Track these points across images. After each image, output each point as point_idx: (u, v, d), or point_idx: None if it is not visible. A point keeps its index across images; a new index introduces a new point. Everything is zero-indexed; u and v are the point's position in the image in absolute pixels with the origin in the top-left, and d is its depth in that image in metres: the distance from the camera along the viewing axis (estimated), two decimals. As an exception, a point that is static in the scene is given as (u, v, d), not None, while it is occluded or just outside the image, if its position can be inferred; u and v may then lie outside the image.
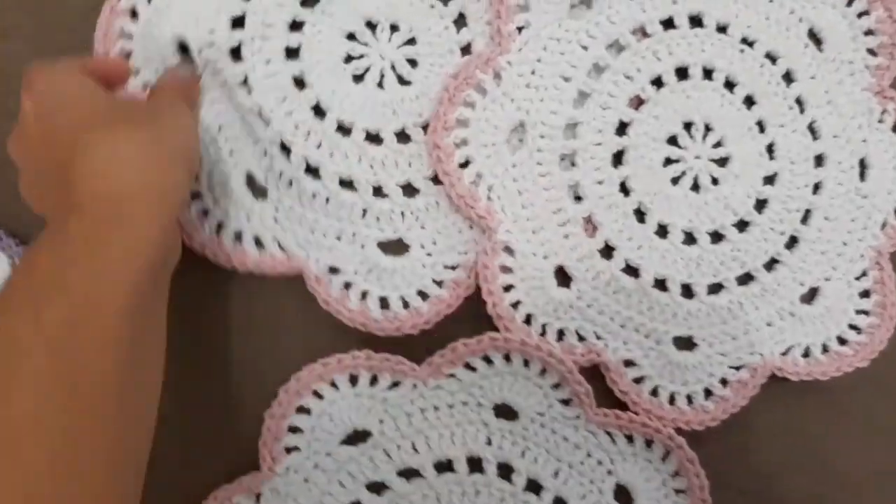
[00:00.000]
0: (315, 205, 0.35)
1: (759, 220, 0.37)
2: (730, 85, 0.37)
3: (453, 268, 0.36)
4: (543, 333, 0.36)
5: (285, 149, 0.35)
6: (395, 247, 0.36)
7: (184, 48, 0.35)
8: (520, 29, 0.36)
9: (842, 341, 0.38)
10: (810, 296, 0.38)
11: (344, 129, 0.36)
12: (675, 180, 0.37)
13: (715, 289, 0.37)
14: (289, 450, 0.35)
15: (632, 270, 0.36)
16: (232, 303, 0.37)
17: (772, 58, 0.37)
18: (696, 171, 0.37)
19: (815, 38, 0.38)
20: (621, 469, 0.36)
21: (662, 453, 0.36)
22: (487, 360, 0.36)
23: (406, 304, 0.36)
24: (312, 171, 0.36)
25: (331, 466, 0.35)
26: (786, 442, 0.38)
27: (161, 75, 0.35)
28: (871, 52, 0.38)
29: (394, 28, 0.36)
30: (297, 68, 0.35)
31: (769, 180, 0.37)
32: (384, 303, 0.36)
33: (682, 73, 0.37)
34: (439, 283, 0.36)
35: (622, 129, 0.36)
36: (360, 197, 0.36)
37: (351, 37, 0.36)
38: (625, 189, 0.36)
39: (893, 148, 0.39)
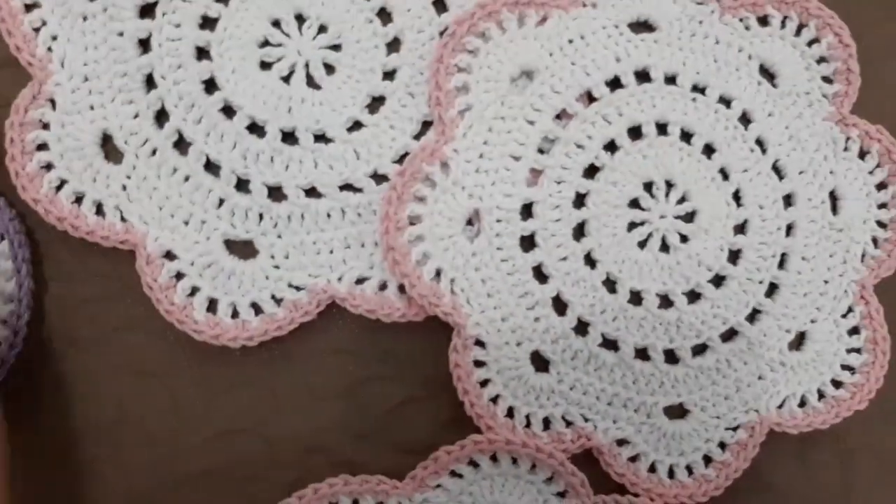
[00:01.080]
0: (171, 181, 0.33)
1: (735, 272, 0.35)
2: (686, 136, 0.35)
3: (298, 288, 0.34)
4: (528, 424, 0.34)
5: (160, 116, 0.33)
6: (243, 248, 0.34)
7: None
8: (462, 112, 0.34)
9: (837, 384, 0.37)
10: (798, 342, 0.37)
11: (230, 111, 0.33)
12: (641, 244, 0.35)
13: (699, 350, 0.35)
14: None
15: (610, 344, 0.34)
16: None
17: (726, 101, 0.36)
18: (663, 232, 0.35)
19: (767, 73, 0.37)
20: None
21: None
22: (474, 464, 0.33)
23: (235, 314, 0.33)
24: (182, 145, 0.33)
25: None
26: (803, 495, 0.37)
27: None
28: (827, 79, 0.37)
29: (322, 28, 0.34)
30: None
31: (740, 229, 0.36)
32: (211, 303, 0.33)
33: (635, 132, 0.35)
34: (278, 301, 0.33)
35: (580, 200, 0.34)
36: (222, 185, 0.33)
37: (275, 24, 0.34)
38: (591, 261, 0.34)
39: (863, 175, 0.37)
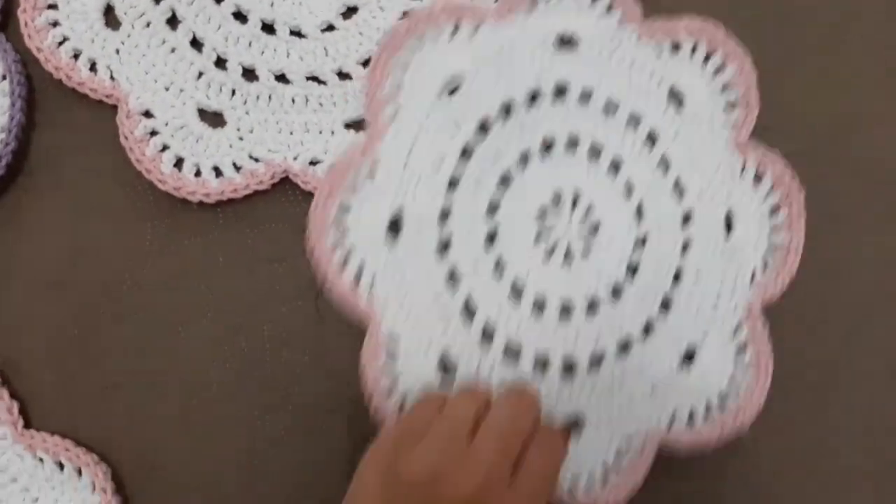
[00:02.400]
0: (159, 51, 0.37)
1: (632, 285, 0.37)
2: (595, 152, 0.37)
3: (257, 160, 0.37)
4: None
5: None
6: (213, 118, 0.38)
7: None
8: (392, 117, 0.35)
9: (723, 403, 0.37)
10: (688, 358, 0.37)
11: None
12: (548, 253, 0.36)
13: (595, 361, 0.36)
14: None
15: (513, 353, 0.36)
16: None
17: (635, 120, 0.38)
18: (568, 242, 0.36)
19: (676, 97, 0.38)
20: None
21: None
22: None
23: (198, 173, 0.37)
24: (173, 22, 0.38)
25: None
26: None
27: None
28: (730, 105, 0.39)
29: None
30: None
31: (640, 244, 0.37)
32: (178, 161, 0.37)
33: (548, 145, 0.37)
34: (237, 168, 0.37)
35: (493, 209, 0.36)
36: (203, 60, 0.37)
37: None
38: (500, 268, 0.36)
39: (756, 200, 0.38)
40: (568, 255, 0.36)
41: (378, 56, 0.35)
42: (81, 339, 0.36)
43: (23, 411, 0.35)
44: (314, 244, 0.34)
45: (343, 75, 0.38)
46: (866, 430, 0.40)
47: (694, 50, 0.38)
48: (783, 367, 0.37)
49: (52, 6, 0.37)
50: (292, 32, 0.38)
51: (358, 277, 0.34)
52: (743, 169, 0.38)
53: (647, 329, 0.36)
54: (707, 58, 0.38)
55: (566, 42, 0.37)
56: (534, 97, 0.36)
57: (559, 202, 0.36)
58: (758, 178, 0.38)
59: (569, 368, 0.36)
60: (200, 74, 0.38)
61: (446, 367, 0.35)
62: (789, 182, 0.38)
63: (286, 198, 0.38)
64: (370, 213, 0.35)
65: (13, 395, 0.35)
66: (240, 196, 0.37)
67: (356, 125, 0.38)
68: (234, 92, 0.38)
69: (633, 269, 0.37)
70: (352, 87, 0.38)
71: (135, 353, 0.36)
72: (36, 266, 0.37)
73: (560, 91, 0.36)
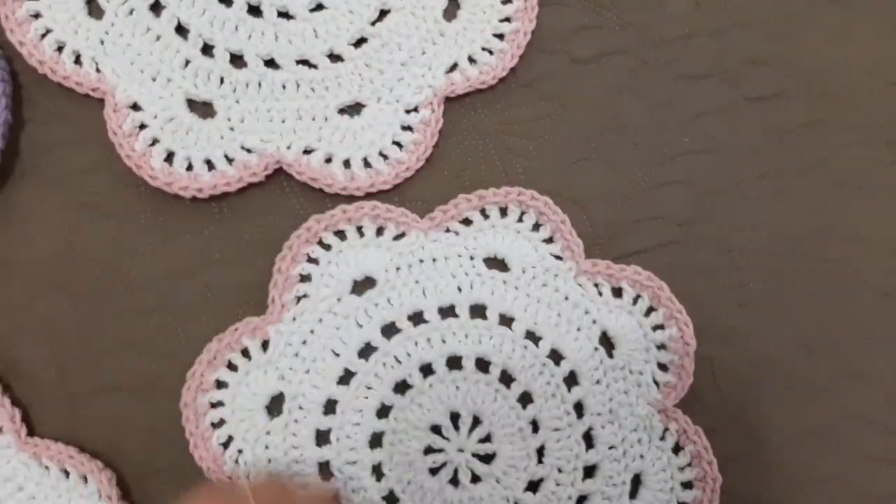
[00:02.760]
0: (144, 39, 0.36)
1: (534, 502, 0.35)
2: (507, 380, 0.36)
3: (249, 151, 0.36)
4: None
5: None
6: (202, 108, 0.36)
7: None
8: (299, 299, 0.35)
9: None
10: None
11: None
12: (433, 471, 0.35)
13: None
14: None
15: None
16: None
17: (557, 357, 0.36)
18: (457, 465, 0.35)
19: (607, 342, 0.37)
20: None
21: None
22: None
23: (190, 167, 0.36)
24: (157, 8, 0.36)
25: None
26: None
27: None
28: (662, 367, 0.37)
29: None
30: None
31: (532, 486, 0.35)
32: (169, 155, 0.36)
33: (455, 361, 0.36)
34: (230, 160, 0.36)
35: (384, 412, 0.35)
36: (189, 47, 0.36)
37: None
38: (378, 472, 0.35)
39: (671, 469, 0.36)
40: (455, 478, 0.35)
41: (291, 242, 0.35)
42: (80, 340, 0.35)
43: (25, 418, 0.34)
44: (189, 402, 0.34)
45: (334, 57, 0.37)
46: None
47: (635, 301, 0.37)
48: None
49: (33, -2, 0.36)
50: (280, 14, 0.37)
51: (228, 442, 0.35)
52: (663, 436, 0.37)
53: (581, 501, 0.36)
54: (648, 312, 0.37)
55: (497, 263, 0.37)
56: (448, 312, 0.36)
57: (457, 422, 0.36)
58: (677, 449, 0.37)
59: None
60: (187, 63, 0.36)
61: None
62: (706, 464, 0.36)
63: (280, 190, 0.37)
64: (253, 385, 0.35)
65: (14, 402, 0.34)
66: (233, 189, 0.36)
67: (350, 110, 0.37)
68: (222, 80, 0.36)
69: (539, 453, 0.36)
70: (344, 69, 0.37)
71: (135, 353, 0.36)
72: (30, 267, 0.36)
73: (478, 311, 0.36)
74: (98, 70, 0.36)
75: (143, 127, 0.36)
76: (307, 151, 0.37)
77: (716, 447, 0.36)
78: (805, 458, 0.38)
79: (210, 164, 0.36)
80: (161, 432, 0.35)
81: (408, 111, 0.38)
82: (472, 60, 0.38)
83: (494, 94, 0.39)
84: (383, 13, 0.38)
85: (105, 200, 0.36)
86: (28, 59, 0.35)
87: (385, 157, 0.37)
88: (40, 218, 0.36)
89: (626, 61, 0.41)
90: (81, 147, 0.36)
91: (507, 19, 0.39)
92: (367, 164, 0.37)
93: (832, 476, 0.38)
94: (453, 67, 0.38)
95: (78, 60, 0.36)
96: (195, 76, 0.36)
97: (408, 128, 0.38)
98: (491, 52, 0.39)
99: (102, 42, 0.36)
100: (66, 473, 0.34)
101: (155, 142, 0.36)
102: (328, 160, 0.37)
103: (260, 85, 0.37)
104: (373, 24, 0.38)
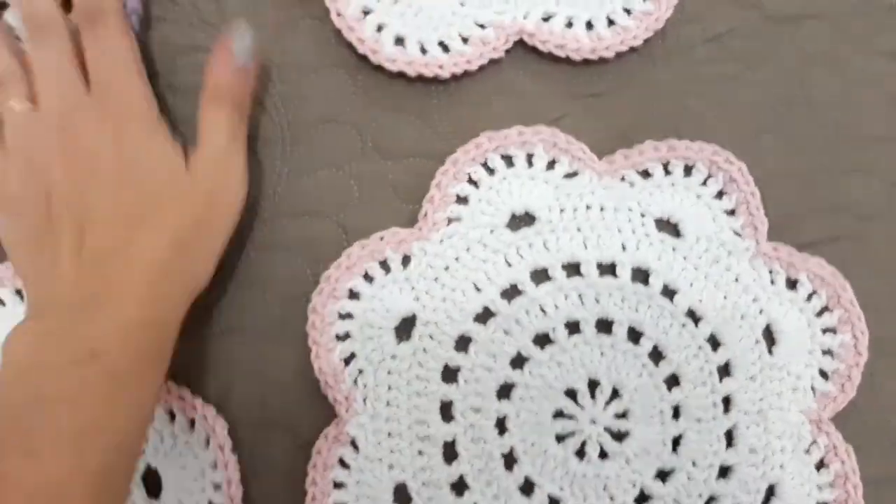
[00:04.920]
0: None
1: (661, 491, 0.32)
2: (657, 356, 0.33)
3: (483, 27, 0.34)
4: None
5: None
6: None
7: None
8: (450, 220, 0.33)
9: None
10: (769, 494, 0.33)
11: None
12: (559, 438, 0.32)
13: None
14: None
15: None
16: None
17: (714, 343, 0.33)
18: (587, 436, 0.32)
19: (770, 337, 0.34)
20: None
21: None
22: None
23: (424, 50, 0.34)
24: None
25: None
26: None
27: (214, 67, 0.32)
28: (824, 374, 0.34)
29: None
30: None
31: (661, 475, 0.33)
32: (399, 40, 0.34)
33: (605, 325, 0.33)
34: (464, 40, 0.34)
35: (519, 362, 0.32)
36: None
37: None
38: (502, 427, 0.32)
39: (810, 485, 0.33)
40: (581, 451, 0.33)
41: (456, 157, 0.33)
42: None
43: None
44: (316, 306, 0.32)
45: None
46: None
47: (809, 298, 0.34)
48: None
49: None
50: None
51: (350, 359, 0.33)
52: (809, 449, 0.33)
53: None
54: (820, 313, 0.34)
55: (669, 226, 0.34)
56: (607, 269, 0.34)
57: (595, 390, 0.33)
58: (821, 465, 0.33)
59: None
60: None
61: (403, 498, 0.32)
62: (852, 486, 0.33)
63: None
64: (387, 301, 0.33)
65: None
66: (474, 68, 0.34)
67: None
68: None
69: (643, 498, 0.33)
70: None
71: (259, 292, 0.33)
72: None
73: (641, 276, 0.34)
74: None
75: (366, 13, 0.34)
76: (546, 18, 0.35)
77: (863, 468, 0.33)
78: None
79: (444, 47, 0.34)
80: (279, 382, 0.33)
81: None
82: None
83: (678, 43, 0.35)
84: None
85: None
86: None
87: (629, 11, 0.35)
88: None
89: (824, 29, 0.37)
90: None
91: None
92: (610, 22, 0.35)
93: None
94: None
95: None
96: None
97: None
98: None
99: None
100: (172, 416, 0.32)
101: (381, 28, 0.34)
102: (569, 25, 0.35)
103: None
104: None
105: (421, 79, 0.34)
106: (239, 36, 0.32)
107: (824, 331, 0.34)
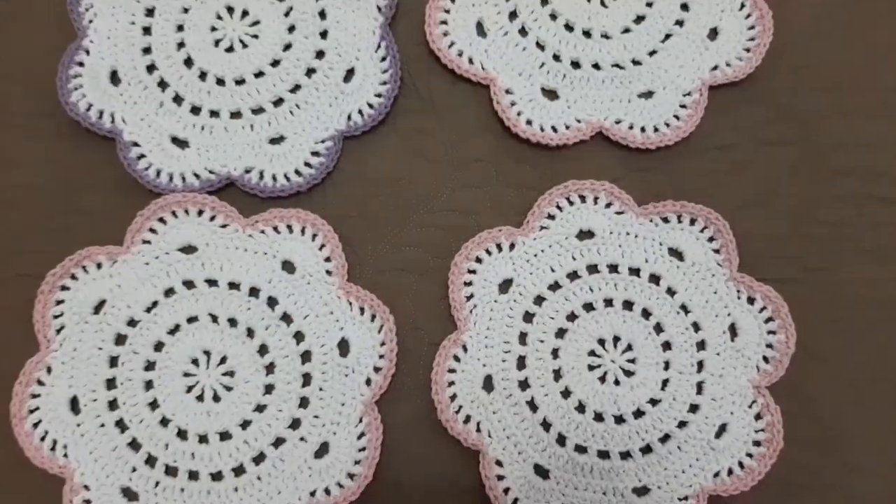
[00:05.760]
0: (516, 51, 0.57)
1: (664, 395, 0.52)
2: (658, 329, 0.53)
3: (578, 120, 0.56)
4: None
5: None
6: (549, 94, 0.56)
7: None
8: (542, 228, 0.55)
9: (749, 457, 0.52)
10: (720, 432, 0.52)
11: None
12: (601, 379, 0.52)
13: (647, 450, 0.51)
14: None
15: (581, 449, 0.51)
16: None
17: (696, 327, 0.53)
18: (607, 369, 0.52)
19: (733, 330, 0.54)
20: (348, 329, 0.53)
21: (379, 325, 0.53)
22: (289, 228, 0.54)
23: (543, 128, 0.55)
24: (522, 32, 0.56)
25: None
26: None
27: None
28: (766, 359, 0.53)
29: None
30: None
31: (651, 402, 0.52)
32: (529, 122, 0.56)
33: (629, 305, 0.54)
34: (567, 126, 0.56)
35: (571, 317, 0.53)
36: (547, 56, 0.56)
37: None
38: (567, 393, 0.52)
39: (749, 428, 0.52)
40: (616, 380, 0.52)
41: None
42: (392, 234, 0.56)
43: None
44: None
45: (636, 62, 0.57)
46: None
47: (761, 310, 0.53)
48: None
49: (446, 10, 0.57)
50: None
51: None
52: (750, 406, 0.52)
53: (682, 424, 0.52)
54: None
55: (676, 253, 0.54)
56: (635, 272, 0.54)
57: (605, 343, 0.53)
58: (758, 417, 0.52)
59: (625, 456, 0.51)
60: (542, 64, 0.57)
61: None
62: (776, 431, 0.51)
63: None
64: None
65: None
66: (570, 143, 0.56)
67: (645, 95, 0.57)
68: (564, 76, 0.56)
69: (664, 384, 0.52)
70: (643, 69, 0.57)
71: (423, 249, 0.56)
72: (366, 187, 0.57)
73: (654, 279, 0.54)
74: (483, 67, 0.57)
75: (513, 104, 0.56)
76: (617, 121, 0.56)
77: (787, 428, 0.52)
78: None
79: (554, 129, 0.56)
80: (425, 305, 0.54)
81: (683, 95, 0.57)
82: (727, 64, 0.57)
83: (696, 146, 0.57)
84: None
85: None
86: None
87: (668, 124, 0.56)
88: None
89: (795, 150, 0.58)
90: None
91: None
92: (655, 129, 0.56)
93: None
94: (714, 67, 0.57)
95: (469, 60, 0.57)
96: (547, 73, 0.57)
97: (683, 106, 0.56)
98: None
99: (486, 51, 0.58)
100: (361, 310, 0.53)
101: (520, 113, 0.56)
102: (630, 127, 0.56)
103: (588, 80, 0.56)
104: (663, 41, 0.58)
105: (538, 144, 0.56)
106: None
107: (769, 332, 0.53)
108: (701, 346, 0.53)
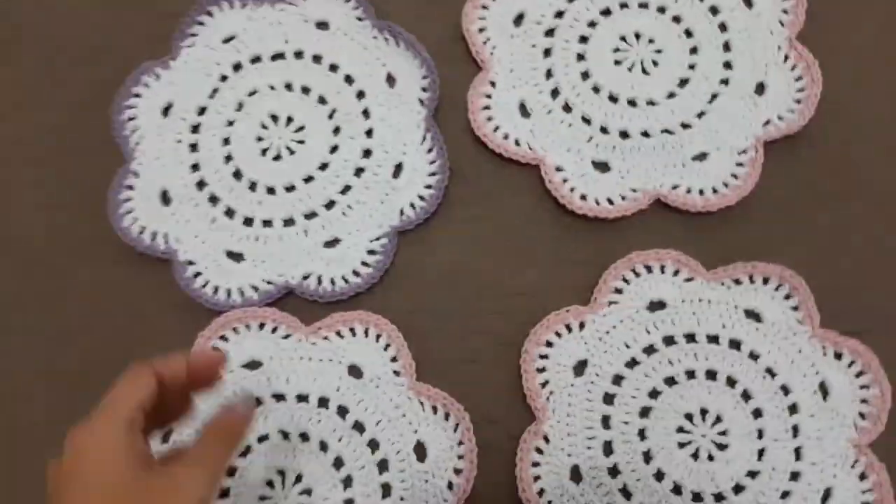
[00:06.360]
0: (561, 129, 0.56)
1: (753, 484, 0.49)
2: (746, 397, 0.51)
3: (635, 190, 0.55)
4: None
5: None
6: (602, 166, 0.55)
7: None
8: (611, 303, 0.53)
9: None
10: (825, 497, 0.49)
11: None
12: (681, 445, 0.50)
13: None
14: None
15: (626, 493, 0.49)
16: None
17: (786, 390, 0.51)
18: (699, 445, 0.50)
19: (824, 389, 0.51)
20: (423, 430, 0.51)
21: (454, 425, 0.51)
22: (352, 331, 0.53)
23: (598, 202, 0.55)
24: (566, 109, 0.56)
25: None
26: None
27: (218, 414, 0.41)
28: (862, 415, 0.50)
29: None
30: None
31: (750, 475, 0.49)
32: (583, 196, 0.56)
33: (711, 374, 0.51)
34: (623, 197, 0.55)
35: (654, 394, 0.51)
36: (592, 129, 0.55)
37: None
38: (642, 435, 0.50)
39: (855, 490, 0.49)
40: (696, 455, 0.50)
41: (616, 265, 0.54)
42: (452, 322, 0.54)
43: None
44: (529, 349, 0.52)
45: (685, 125, 0.57)
46: None
47: (850, 365, 0.51)
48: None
49: (487, 96, 0.57)
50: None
51: (545, 384, 0.52)
52: (853, 466, 0.50)
53: (784, 495, 0.49)
54: (858, 375, 0.51)
55: (753, 315, 0.53)
56: (714, 340, 0.52)
57: (693, 418, 0.50)
58: (862, 476, 0.50)
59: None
60: (590, 138, 0.56)
61: (576, 476, 0.50)
62: (885, 491, 0.49)
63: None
64: (567, 350, 0.53)
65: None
66: (630, 214, 0.55)
67: (700, 156, 0.56)
68: (615, 147, 0.56)
69: (752, 474, 0.49)
70: (693, 132, 0.56)
71: (487, 337, 0.55)
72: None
73: (735, 345, 0.52)
74: (530, 147, 0.56)
75: (565, 181, 0.56)
76: (674, 187, 0.55)
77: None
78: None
79: (610, 201, 0.55)
80: (498, 394, 0.53)
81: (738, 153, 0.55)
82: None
83: (756, 206, 0.56)
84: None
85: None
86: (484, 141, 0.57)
87: (726, 185, 0.55)
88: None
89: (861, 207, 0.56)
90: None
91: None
92: (714, 191, 0.55)
93: None
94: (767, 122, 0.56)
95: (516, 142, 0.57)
96: (596, 147, 0.56)
97: (739, 164, 0.55)
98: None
99: (532, 131, 0.57)
100: (434, 409, 0.52)
101: (573, 189, 0.56)
102: (688, 191, 0.55)
103: (639, 149, 0.56)
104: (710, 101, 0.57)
105: (597, 219, 0.55)
106: (245, 399, 0.43)
107: (861, 387, 0.51)
108: (793, 409, 0.51)
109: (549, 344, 0.53)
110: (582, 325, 0.53)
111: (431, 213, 0.56)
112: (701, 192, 0.55)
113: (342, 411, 0.51)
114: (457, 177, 0.57)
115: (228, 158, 0.57)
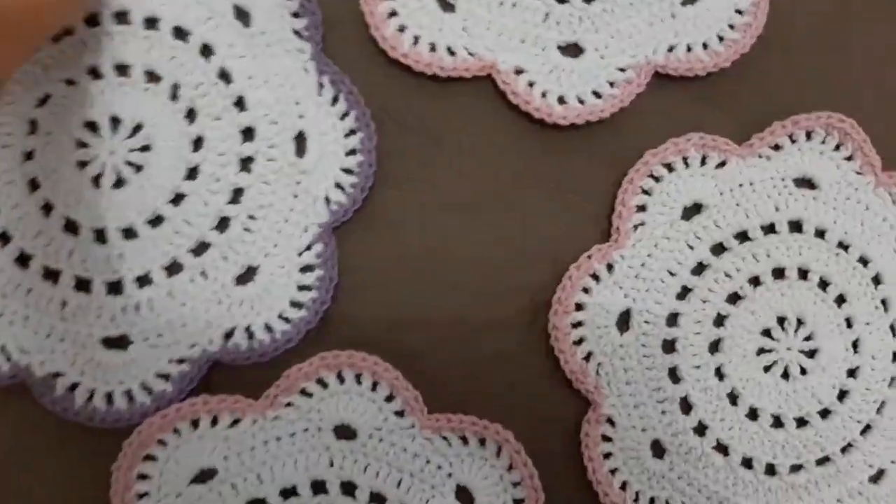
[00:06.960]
0: None
1: (840, 409, 0.40)
2: (823, 284, 0.41)
3: (623, 69, 0.41)
4: (637, 500, 0.40)
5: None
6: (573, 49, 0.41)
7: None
8: (636, 227, 0.40)
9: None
10: (877, 477, 0.41)
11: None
12: (766, 368, 0.40)
13: (795, 469, 0.40)
14: (140, 496, 0.37)
15: (722, 448, 0.40)
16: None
17: (864, 261, 0.41)
18: (787, 362, 0.40)
19: None
20: (459, 470, 0.39)
21: (495, 450, 0.39)
22: (322, 383, 0.38)
23: (582, 101, 0.41)
24: None
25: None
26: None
27: None
28: None
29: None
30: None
31: (852, 373, 0.41)
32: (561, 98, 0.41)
33: (778, 272, 0.41)
34: (611, 83, 0.41)
35: (720, 321, 0.40)
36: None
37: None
38: (720, 374, 0.40)
39: None
40: (786, 373, 0.40)
41: (630, 177, 0.41)
42: (450, 322, 0.40)
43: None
44: (555, 322, 0.40)
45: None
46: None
47: (792, 139, 0.42)
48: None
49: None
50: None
51: (588, 357, 0.40)
52: (894, 201, 0.42)
53: (847, 448, 0.41)
54: (808, 136, 0.42)
55: (806, 181, 0.42)
56: (769, 229, 0.41)
57: (784, 324, 0.41)
58: None
59: (771, 470, 0.40)
60: (546, 16, 0.41)
61: (659, 451, 0.40)
62: None
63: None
64: (605, 304, 0.40)
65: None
66: (626, 104, 0.41)
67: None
68: (580, 19, 0.41)
69: (842, 395, 0.41)
70: None
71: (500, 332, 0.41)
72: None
73: (795, 226, 0.41)
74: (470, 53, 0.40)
75: (531, 84, 0.41)
76: (670, 49, 0.41)
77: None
78: None
79: (596, 94, 0.41)
80: (535, 391, 0.40)
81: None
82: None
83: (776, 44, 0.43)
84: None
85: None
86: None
87: (732, 26, 0.42)
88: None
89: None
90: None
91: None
92: (720, 38, 0.42)
93: None
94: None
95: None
96: (557, 26, 0.41)
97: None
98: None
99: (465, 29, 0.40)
100: (465, 440, 0.39)
101: (545, 93, 0.41)
102: (689, 49, 0.42)
103: (612, 11, 0.41)
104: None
105: (586, 124, 0.41)
106: None
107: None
108: (877, 280, 0.42)
109: (578, 307, 0.40)
110: (610, 268, 0.40)
111: (368, 187, 0.39)
112: (705, 45, 0.41)
113: (348, 489, 0.38)
114: (386, 127, 0.40)
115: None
